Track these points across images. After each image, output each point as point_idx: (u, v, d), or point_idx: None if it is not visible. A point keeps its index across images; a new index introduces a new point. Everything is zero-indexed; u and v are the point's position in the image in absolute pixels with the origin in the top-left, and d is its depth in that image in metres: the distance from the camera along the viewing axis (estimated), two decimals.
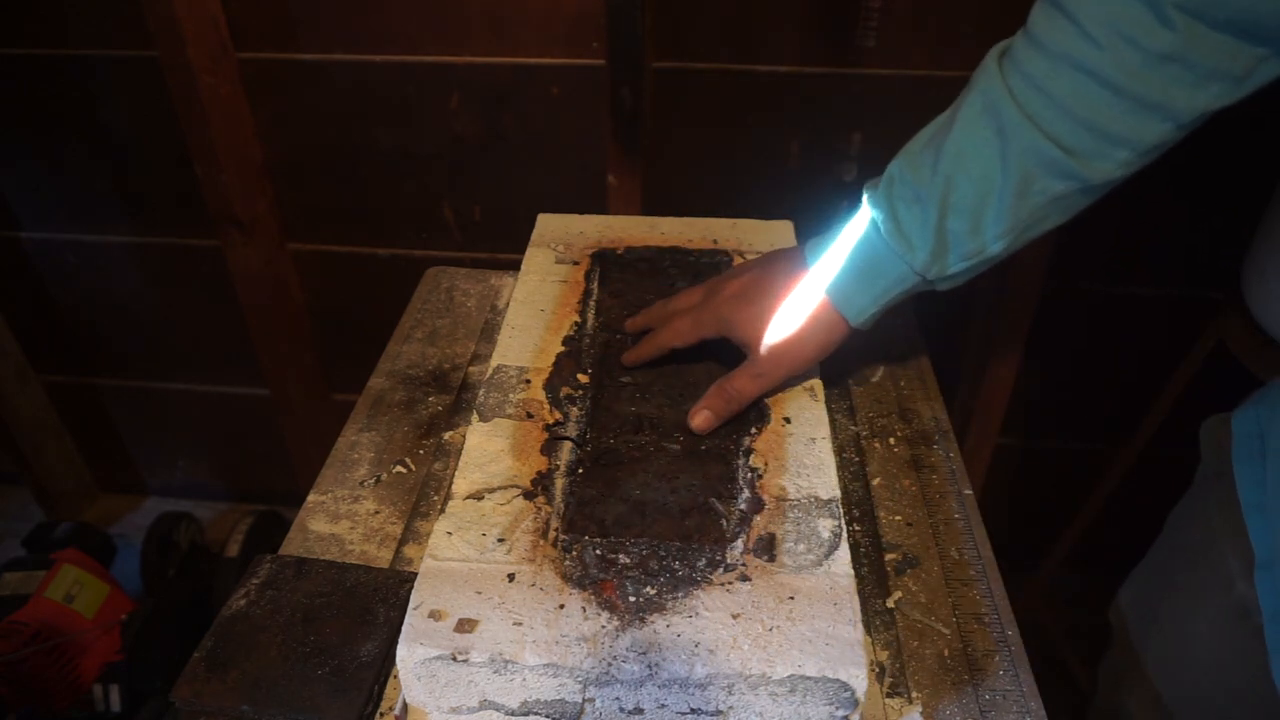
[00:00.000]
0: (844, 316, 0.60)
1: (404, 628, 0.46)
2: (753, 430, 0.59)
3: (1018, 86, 0.52)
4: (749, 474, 0.55)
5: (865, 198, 0.59)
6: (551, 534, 0.51)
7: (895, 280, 0.58)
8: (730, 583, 0.48)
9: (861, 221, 0.59)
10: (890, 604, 0.58)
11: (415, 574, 0.50)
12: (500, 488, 0.54)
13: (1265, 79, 0.49)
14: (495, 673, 0.45)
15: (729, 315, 0.61)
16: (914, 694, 0.52)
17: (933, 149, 0.55)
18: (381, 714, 0.51)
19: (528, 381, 0.63)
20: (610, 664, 0.45)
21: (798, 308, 0.60)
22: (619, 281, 0.75)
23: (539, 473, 0.56)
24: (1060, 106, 0.51)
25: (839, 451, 0.69)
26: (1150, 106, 0.50)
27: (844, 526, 0.52)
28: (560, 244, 0.78)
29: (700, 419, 0.59)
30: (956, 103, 0.56)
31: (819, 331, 0.60)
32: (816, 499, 0.53)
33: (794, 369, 0.61)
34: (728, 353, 0.67)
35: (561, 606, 0.47)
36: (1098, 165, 0.52)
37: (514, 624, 0.46)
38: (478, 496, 0.54)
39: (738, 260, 0.76)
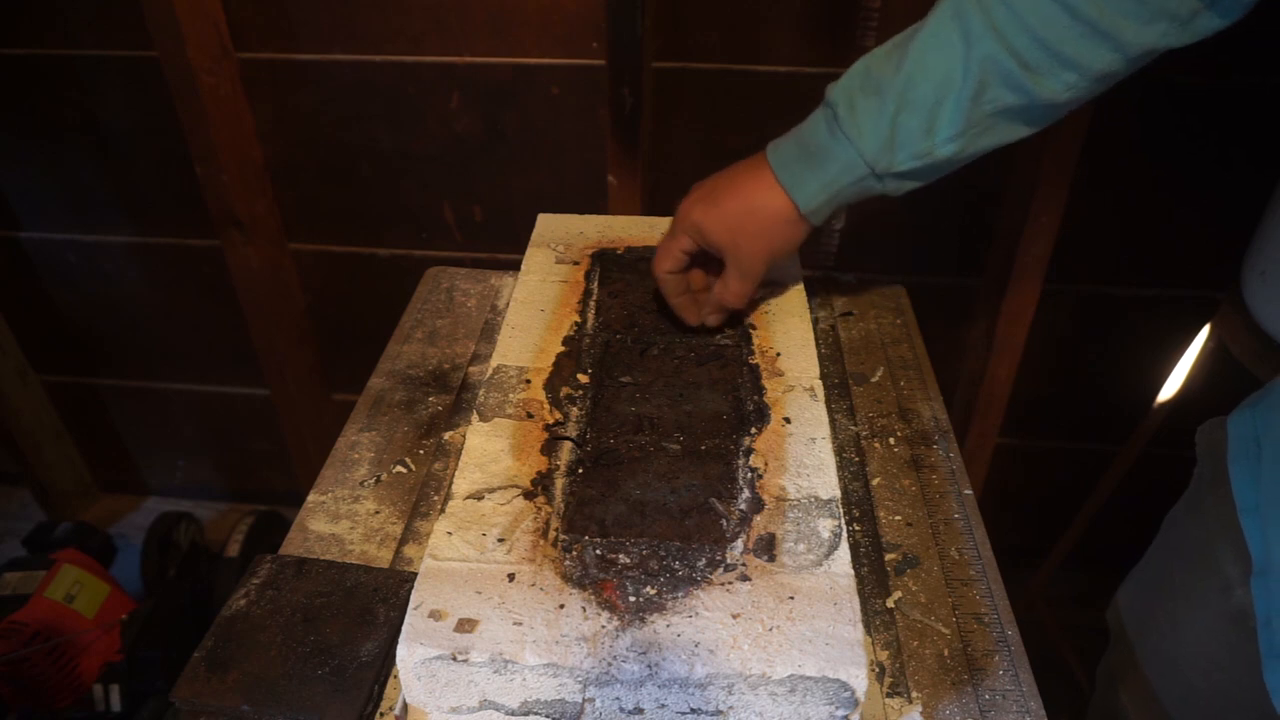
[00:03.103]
0: (794, 203, 0.62)
1: (404, 628, 0.46)
2: (753, 430, 0.59)
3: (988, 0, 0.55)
4: (749, 474, 0.55)
5: (827, 91, 0.61)
6: (551, 534, 0.51)
7: (843, 167, 0.60)
8: (730, 583, 0.48)
9: (820, 112, 0.62)
10: (890, 604, 0.58)
11: (415, 574, 0.50)
12: (500, 488, 0.54)
13: (1207, 28, 0.53)
14: (495, 673, 0.45)
15: (699, 219, 0.64)
16: (914, 694, 0.52)
17: (899, 49, 0.58)
18: (381, 714, 0.51)
19: (528, 381, 0.63)
20: (610, 664, 0.45)
21: (755, 199, 0.63)
22: (619, 281, 0.75)
23: (539, 473, 0.56)
24: (1022, 21, 0.54)
25: (839, 451, 0.69)
26: (1101, 34, 0.53)
27: (844, 526, 0.52)
28: (560, 244, 0.78)
29: (712, 320, 0.68)
30: (927, 15, 0.59)
31: (777, 222, 0.63)
32: (816, 499, 0.53)
33: (765, 258, 0.64)
34: (728, 360, 0.67)
35: (561, 606, 0.47)
36: (1046, 83, 0.55)
37: (514, 624, 0.46)
38: (478, 496, 0.54)
39: None
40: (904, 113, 0.58)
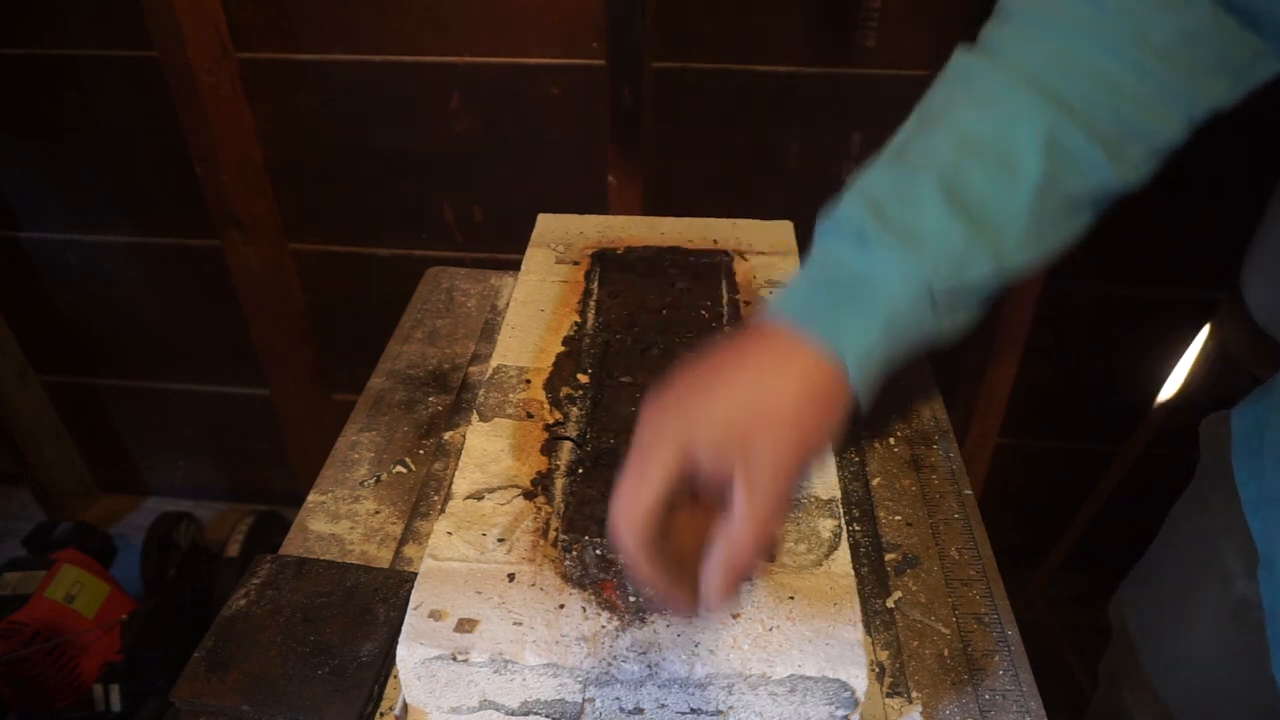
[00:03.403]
0: (839, 358, 0.42)
1: (404, 628, 0.46)
2: None
3: (1036, 66, 0.45)
4: None
5: (822, 225, 0.47)
6: (551, 534, 0.51)
7: (899, 286, 0.43)
8: None
9: (829, 241, 0.46)
10: (890, 604, 0.58)
11: (415, 574, 0.50)
12: (500, 488, 0.54)
13: (1259, 78, 0.47)
14: (495, 673, 0.45)
15: (688, 424, 0.41)
16: (914, 694, 0.52)
17: (924, 127, 0.47)
18: (381, 714, 0.51)
19: (528, 381, 0.63)
20: (610, 664, 0.45)
21: (772, 375, 0.42)
22: (619, 281, 0.75)
23: (539, 473, 0.56)
24: (1086, 92, 0.45)
25: (839, 451, 0.69)
26: (1174, 94, 0.45)
27: (844, 526, 0.52)
28: (560, 244, 0.78)
29: (723, 595, 0.41)
30: (936, 106, 0.48)
31: (812, 398, 0.41)
32: (816, 499, 0.53)
33: (797, 462, 0.41)
34: None
35: (561, 606, 0.47)
36: (1119, 163, 0.45)
37: (514, 624, 0.46)
38: (478, 496, 0.54)
39: (738, 260, 0.76)
40: (954, 206, 0.43)
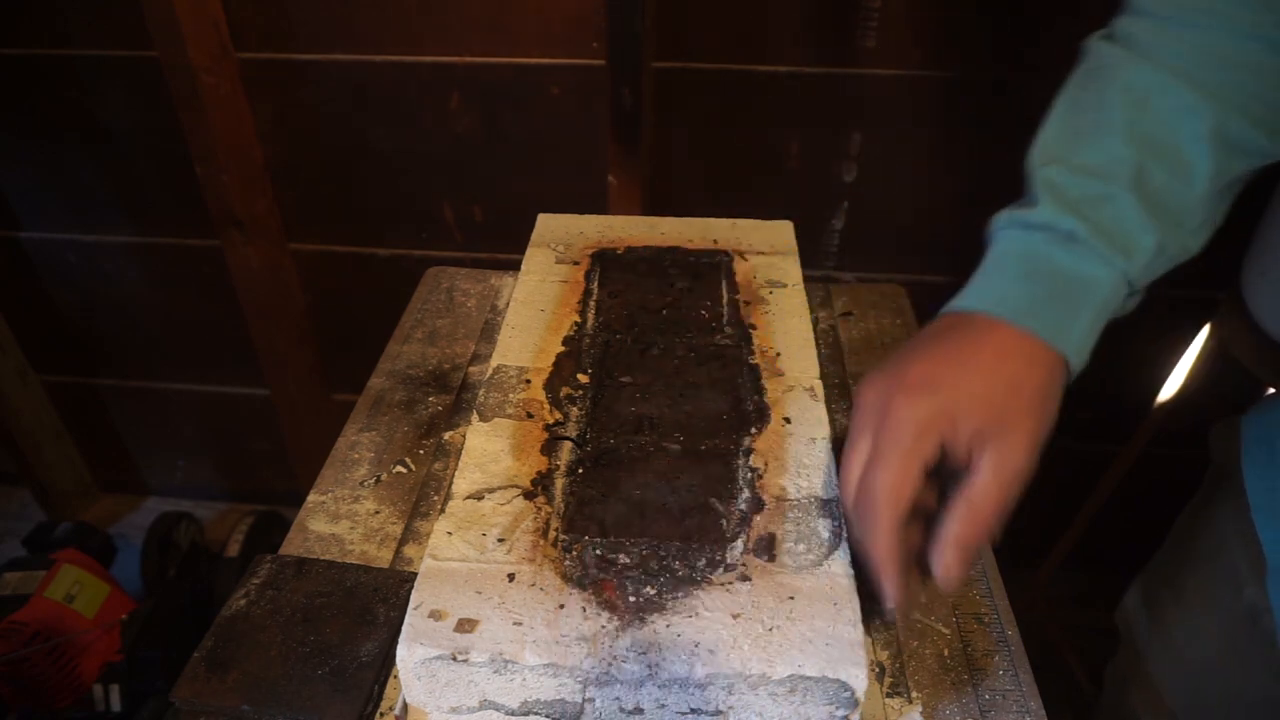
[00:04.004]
0: (1062, 355, 0.47)
1: (404, 628, 0.46)
2: (753, 430, 0.59)
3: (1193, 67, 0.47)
4: (749, 474, 0.55)
5: (1002, 218, 0.51)
6: (551, 534, 0.51)
7: (1110, 292, 0.48)
8: (730, 583, 0.48)
9: (1033, 236, 0.49)
10: (890, 604, 0.58)
11: (415, 574, 0.50)
12: (500, 488, 0.54)
13: None
14: (495, 673, 0.45)
15: (947, 405, 0.44)
16: (914, 694, 0.52)
17: (1086, 138, 0.49)
18: (381, 714, 0.51)
19: (528, 381, 0.63)
20: (610, 664, 0.45)
21: (1011, 364, 0.46)
22: (619, 281, 0.75)
23: (539, 473, 0.56)
24: (1236, 80, 0.47)
25: (839, 451, 0.69)
26: None
27: (844, 526, 0.52)
28: (560, 244, 0.78)
29: (957, 574, 0.44)
30: (1115, 94, 0.49)
31: (1045, 385, 0.46)
32: (816, 499, 0.53)
33: (1037, 442, 0.46)
34: (728, 360, 0.67)
35: (561, 606, 0.47)
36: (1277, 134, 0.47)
37: (514, 624, 0.46)
38: (478, 496, 0.54)
39: (738, 260, 0.75)
40: (1146, 205, 0.47)
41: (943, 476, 0.45)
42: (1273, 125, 0.47)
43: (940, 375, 0.45)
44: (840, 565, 0.49)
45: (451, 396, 0.75)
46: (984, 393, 0.44)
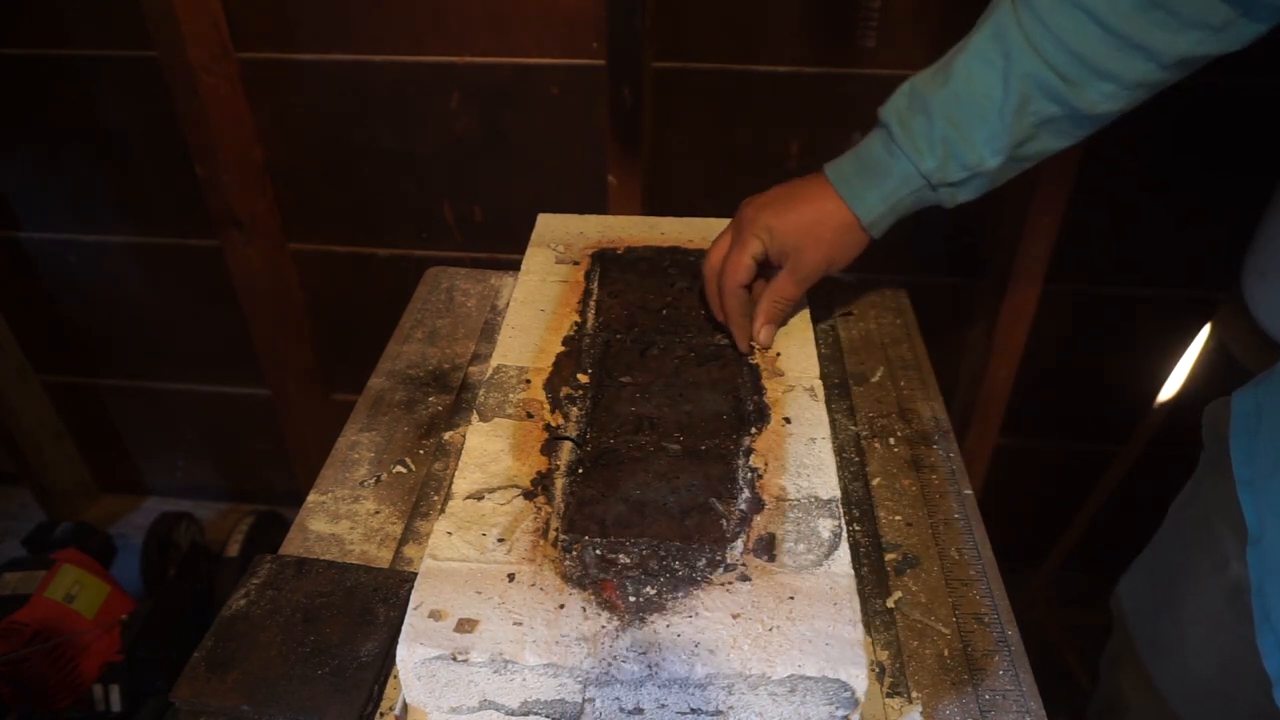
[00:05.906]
0: (856, 215, 0.65)
1: (404, 628, 0.46)
2: (753, 430, 0.59)
3: (1025, 19, 0.58)
4: (749, 474, 0.55)
5: (879, 112, 0.65)
6: (551, 534, 0.51)
7: (901, 180, 0.63)
8: (730, 583, 0.48)
9: (875, 133, 0.65)
10: (890, 604, 0.58)
11: (415, 574, 0.50)
12: (500, 488, 0.54)
13: (1245, 35, 0.54)
14: (495, 673, 0.45)
15: (771, 223, 0.65)
16: (914, 694, 0.52)
17: (943, 70, 0.62)
18: (381, 714, 0.51)
19: (528, 381, 0.63)
20: (610, 664, 0.45)
21: (822, 207, 0.66)
22: (619, 281, 0.75)
23: (539, 473, 0.56)
24: (1057, 38, 0.57)
25: (839, 451, 0.69)
26: (1134, 46, 0.56)
27: (844, 526, 0.52)
28: (560, 244, 0.78)
29: (765, 334, 0.67)
30: (968, 35, 0.62)
31: (841, 232, 0.66)
32: (816, 499, 0.53)
33: (824, 265, 0.67)
34: (728, 360, 0.67)
35: (561, 606, 0.47)
36: (1085, 94, 0.58)
37: (514, 624, 0.46)
38: (478, 496, 0.54)
39: None
40: (952, 128, 0.61)
41: (767, 275, 0.68)
42: (1076, 83, 0.58)
43: (778, 206, 0.66)
44: (841, 565, 0.49)
45: (451, 396, 0.75)
46: (796, 223, 0.65)
